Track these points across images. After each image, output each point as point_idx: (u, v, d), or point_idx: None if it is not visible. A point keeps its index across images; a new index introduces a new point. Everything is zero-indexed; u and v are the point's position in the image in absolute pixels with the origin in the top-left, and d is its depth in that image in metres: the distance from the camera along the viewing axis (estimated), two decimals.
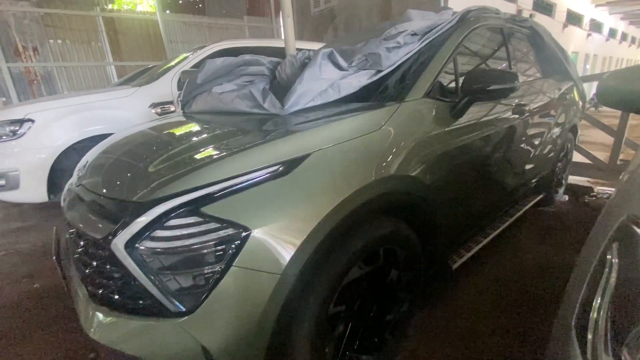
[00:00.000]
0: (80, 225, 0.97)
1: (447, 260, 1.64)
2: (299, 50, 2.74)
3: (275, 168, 0.92)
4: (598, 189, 3.33)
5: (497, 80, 1.34)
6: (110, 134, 1.74)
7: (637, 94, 0.91)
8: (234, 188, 0.85)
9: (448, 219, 1.46)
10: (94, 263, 0.92)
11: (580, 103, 2.95)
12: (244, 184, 0.87)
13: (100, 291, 0.91)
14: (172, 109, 3.02)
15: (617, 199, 0.64)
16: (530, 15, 9.26)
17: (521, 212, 2.31)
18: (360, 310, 1.18)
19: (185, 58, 3.36)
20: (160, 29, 6.62)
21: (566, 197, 3.20)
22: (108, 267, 0.88)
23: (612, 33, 18.66)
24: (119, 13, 8.16)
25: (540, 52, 2.43)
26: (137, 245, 0.80)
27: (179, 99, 2.06)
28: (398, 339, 1.34)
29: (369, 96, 1.40)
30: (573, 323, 0.45)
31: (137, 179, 0.97)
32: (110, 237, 0.83)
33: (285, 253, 0.86)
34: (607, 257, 0.48)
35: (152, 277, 0.80)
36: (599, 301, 0.42)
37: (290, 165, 0.93)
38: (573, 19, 13.54)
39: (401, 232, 1.21)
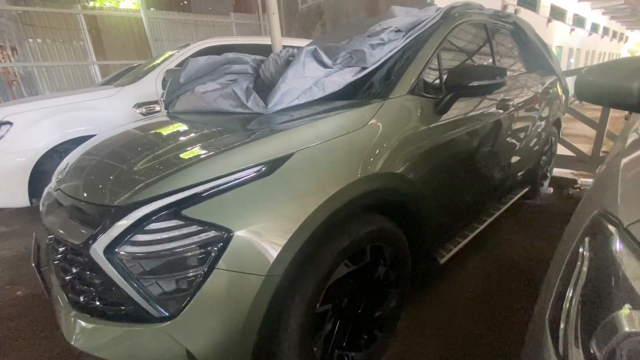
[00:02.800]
0: (59, 231, 0.94)
1: (435, 254, 1.66)
2: (285, 47, 2.71)
3: (258, 168, 0.91)
4: (581, 180, 3.41)
5: (482, 76, 1.35)
6: (93, 136, 1.70)
7: (614, 88, 0.93)
8: (215, 190, 0.84)
9: (435, 215, 1.48)
10: (74, 269, 0.90)
11: (564, 97, 3.00)
12: (226, 185, 0.86)
13: (80, 298, 0.89)
14: (157, 108, 2.97)
15: (592, 194, 0.65)
16: (515, 11, 9.36)
17: (508, 205, 2.34)
18: (348, 308, 1.18)
19: (170, 56, 3.30)
20: (144, 26, 6.49)
21: (551, 190, 3.26)
22: (88, 273, 0.86)
23: (595, 28, 19.03)
24: (101, 11, 7.97)
25: (523, 47, 2.46)
26: (116, 250, 0.79)
27: (162, 98, 2.03)
28: (387, 335, 1.35)
29: (354, 93, 1.40)
30: (547, 317, 0.46)
31: (117, 182, 0.95)
32: (89, 243, 0.81)
33: (270, 254, 0.85)
34: (580, 250, 0.48)
35: (133, 283, 0.78)
36: (570, 295, 0.43)
37: (274, 164, 0.93)
38: (557, 14, 13.75)
39: (388, 229, 1.22)
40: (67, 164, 1.31)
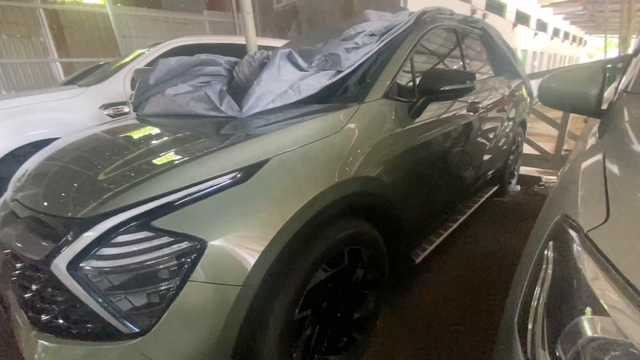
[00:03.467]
0: (16, 245, 0.88)
1: (411, 254, 1.70)
2: (262, 47, 2.68)
3: (233, 175, 0.89)
4: (546, 178, 3.60)
5: (453, 81, 1.39)
6: (56, 139, 1.61)
7: (574, 95, 0.98)
8: (188, 198, 0.81)
9: (410, 215, 1.51)
10: (34, 286, 0.84)
11: (528, 99, 3.16)
12: (199, 194, 0.83)
13: (42, 317, 0.83)
14: (126, 110, 2.85)
15: (555, 196, 0.68)
16: (484, 15, 9.74)
17: (479, 203, 2.43)
18: (327, 312, 1.18)
19: (139, 55, 3.17)
20: (111, 23, 6.20)
21: (518, 187, 3.42)
22: (50, 290, 0.81)
23: (556, 32, 20.18)
24: (63, 5, 7.52)
25: (491, 51, 2.56)
26: (81, 265, 0.74)
27: (130, 100, 1.95)
28: (365, 336, 1.36)
29: (329, 97, 1.40)
30: (515, 320, 0.48)
31: (81, 191, 0.89)
32: (50, 258, 0.76)
33: (246, 263, 0.83)
34: (545, 253, 0.51)
35: (100, 299, 0.74)
36: (537, 298, 0.45)
37: (249, 171, 0.91)
38: (521, 19, 14.46)
39: (365, 232, 1.23)
40: (26, 170, 1.22)
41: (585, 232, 0.44)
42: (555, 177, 3.62)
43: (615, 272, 0.37)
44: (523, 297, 0.49)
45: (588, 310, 0.37)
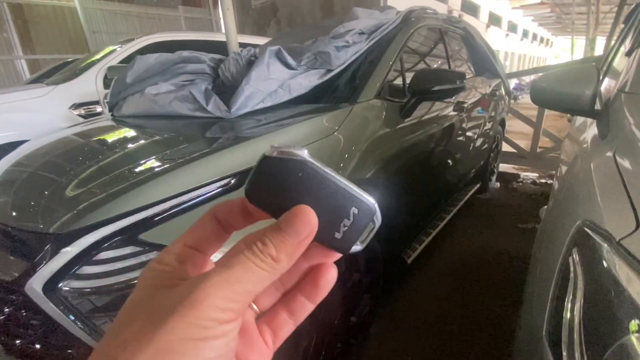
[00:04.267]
0: None
1: (402, 255, 1.69)
2: (242, 45, 2.59)
3: (226, 182, 0.83)
4: (523, 175, 3.72)
5: (444, 81, 1.38)
6: (24, 142, 1.48)
7: (567, 95, 0.99)
8: (178, 208, 0.75)
9: (402, 216, 1.50)
10: (6, 309, 0.75)
11: (507, 98, 3.24)
12: (189, 203, 0.77)
13: (17, 342, 0.75)
14: (99, 109, 2.69)
15: (565, 198, 0.67)
16: (459, 16, 9.98)
17: (463, 201, 2.47)
18: (324, 321, 1.14)
19: (112, 51, 3.01)
20: (80, 17, 5.87)
21: (498, 184, 3.52)
22: (24, 313, 0.73)
23: (525, 33, 21.07)
24: None
25: (472, 51, 2.60)
26: (59, 286, 0.67)
27: (105, 100, 1.83)
28: (362, 341, 1.34)
29: (319, 96, 1.36)
30: (544, 334, 0.46)
31: (56, 202, 0.81)
32: (23, 279, 0.68)
33: None
34: (570, 261, 0.49)
35: (82, 322, 0.67)
36: (569, 313, 0.43)
37: (244, 177, 0.85)
38: (494, 20, 14.98)
39: None
40: None
41: (617, 240, 0.42)
42: (531, 174, 3.75)
43: None
44: (550, 307, 0.47)
45: (633, 324, 0.35)
